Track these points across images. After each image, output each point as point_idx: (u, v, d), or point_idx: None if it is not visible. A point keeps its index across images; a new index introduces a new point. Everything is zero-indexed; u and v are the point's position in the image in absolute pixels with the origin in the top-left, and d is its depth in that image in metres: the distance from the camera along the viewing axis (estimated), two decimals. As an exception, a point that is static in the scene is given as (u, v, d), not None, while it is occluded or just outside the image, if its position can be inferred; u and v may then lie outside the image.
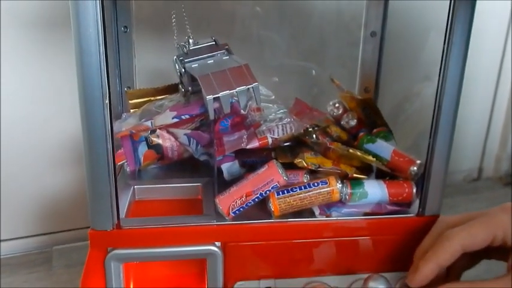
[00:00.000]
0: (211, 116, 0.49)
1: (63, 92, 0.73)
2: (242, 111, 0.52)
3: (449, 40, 0.44)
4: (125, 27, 0.59)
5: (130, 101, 0.60)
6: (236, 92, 0.48)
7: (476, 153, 1.07)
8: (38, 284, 0.70)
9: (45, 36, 0.71)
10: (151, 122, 0.52)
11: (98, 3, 0.38)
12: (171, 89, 0.60)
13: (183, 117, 0.52)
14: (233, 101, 0.50)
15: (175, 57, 0.54)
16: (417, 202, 0.49)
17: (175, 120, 0.52)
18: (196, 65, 0.52)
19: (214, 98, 0.48)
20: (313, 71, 0.77)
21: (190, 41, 0.54)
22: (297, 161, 0.49)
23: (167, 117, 0.52)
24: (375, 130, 0.56)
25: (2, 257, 0.76)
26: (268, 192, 0.46)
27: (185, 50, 0.54)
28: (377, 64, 0.64)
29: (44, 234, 0.79)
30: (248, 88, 0.48)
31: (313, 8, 0.79)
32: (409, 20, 0.77)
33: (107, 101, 0.41)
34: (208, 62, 0.53)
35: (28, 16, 0.69)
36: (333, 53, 0.80)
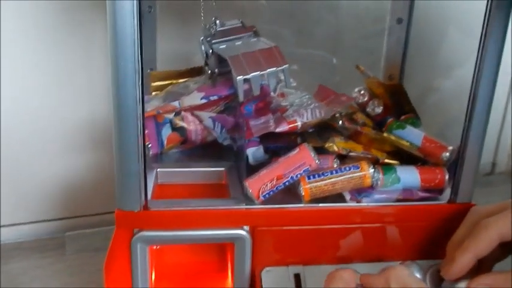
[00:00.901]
0: (241, 98, 0.48)
1: (76, 75, 0.72)
2: (272, 93, 0.51)
3: (487, 27, 0.43)
4: (150, 7, 0.58)
5: (152, 84, 0.59)
6: (267, 73, 0.47)
7: (489, 147, 1.06)
8: (51, 269, 0.69)
9: (58, 17, 0.69)
10: (179, 102, 0.51)
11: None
12: (194, 72, 0.59)
13: (211, 98, 0.51)
14: (263, 83, 0.49)
15: (201, 38, 0.53)
16: (449, 189, 0.48)
17: (204, 101, 0.51)
18: (224, 46, 0.51)
19: (244, 79, 0.47)
20: (334, 60, 0.76)
21: (217, 22, 0.53)
22: (328, 145, 0.48)
23: (195, 98, 0.51)
24: (402, 117, 0.55)
25: (14, 241, 0.75)
26: (299, 175, 0.45)
27: (212, 31, 0.52)
28: (403, 51, 0.63)
29: (57, 219, 0.77)
30: (278, 70, 0.47)
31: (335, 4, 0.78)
32: (435, 7, 0.75)
33: (140, 78, 0.40)
34: (237, 43, 0.52)
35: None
36: (353, 42, 0.78)
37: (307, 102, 0.55)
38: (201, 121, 0.54)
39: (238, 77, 0.46)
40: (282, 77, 0.49)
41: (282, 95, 0.59)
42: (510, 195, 0.96)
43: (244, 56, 0.48)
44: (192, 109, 0.53)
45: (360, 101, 0.59)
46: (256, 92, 0.47)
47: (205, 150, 0.57)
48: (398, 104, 0.56)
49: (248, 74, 0.46)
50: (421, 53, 0.72)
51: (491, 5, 0.42)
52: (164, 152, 0.56)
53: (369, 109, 0.57)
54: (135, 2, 0.38)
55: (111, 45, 0.39)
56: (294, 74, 0.61)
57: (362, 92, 0.59)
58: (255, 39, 0.52)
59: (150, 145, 0.55)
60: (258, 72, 0.46)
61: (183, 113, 0.53)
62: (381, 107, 0.57)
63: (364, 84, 0.59)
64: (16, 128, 0.72)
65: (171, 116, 0.54)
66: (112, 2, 0.38)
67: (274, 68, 0.47)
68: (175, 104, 0.51)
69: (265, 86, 0.51)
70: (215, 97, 0.51)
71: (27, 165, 0.74)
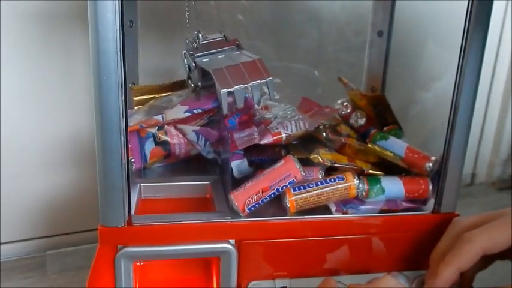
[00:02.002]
0: (225, 111, 0.47)
1: (58, 91, 0.71)
2: (256, 105, 0.51)
3: (467, 39, 0.44)
4: (131, 21, 0.58)
5: (134, 98, 0.58)
6: (250, 86, 0.47)
7: (469, 158, 1.07)
8: (33, 289, 0.68)
9: (38, 33, 0.68)
10: (163, 116, 0.50)
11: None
12: (177, 86, 0.59)
13: (195, 111, 0.51)
14: (247, 95, 0.49)
15: (184, 52, 0.53)
16: (432, 199, 0.48)
17: (188, 114, 0.51)
18: (207, 59, 0.51)
19: (228, 91, 0.46)
20: (316, 72, 0.76)
21: (200, 35, 0.53)
22: (312, 156, 0.48)
23: (179, 112, 0.50)
24: (385, 128, 0.55)
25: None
26: (284, 187, 0.45)
27: (195, 44, 0.52)
28: (384, 63, 0.64)
29: (38, 238, 0.76)
30: (262, 82, 0.47)
31: (315, 7, 0.79)
32: (415, 19, 0.77)
33: (123, 93, 0.39)
34: (220, 56, 0.52)
35: (29, 12, 0.67)
36: (334, 55, 0.79)
37: (291, 114, 0.55)
38: (184, 135, 0.54)
39: (222, 90, 0.46)
40: (266, 90, 0.49)
41: (266, 107, 0.59)
42: (490, 206, 0.97)
43: (227, 69, 0.48)
44: (176, 123, 0.52)
45: (343, 112, 0.59)
46: (240, 104, 0.47)
47: (190, 164, 0.57)
48: (381, 115, 0.56)
49: (232, 87, 0.46)
50: (403, 65, 0.73)
51: (470, 17, 0.43)
52: (148, 166, 0.55)
53: (352, 121, 0.58)
54: (117, 16, 0.38)
55: (93, 59, 0.39)
56: (277, 87, 0.61)
57: (345, 103, 0.59)
58: (238, 52, 0.52)
59: (133, 160, 0.54)
60: (241, 85, 0.46)
61: (166, 126, 0.53)
62: (364, 119, 0.57)
63: (347, 96, 0.60)
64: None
65: (154, 130, 0.53)
66: (94, 16, 0.37)
67: (258, 81, 0.47)
68: (159, 118, 0.51)
69: (249, 98, 0.51)
70: (199, 110, 0.51)
71: (6, 183, 0.72)
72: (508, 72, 1.00)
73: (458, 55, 0.45)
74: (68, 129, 0.73)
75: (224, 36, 0.54)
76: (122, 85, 0.39)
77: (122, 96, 0.39)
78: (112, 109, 0.39)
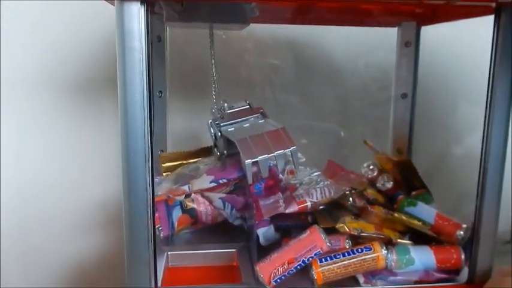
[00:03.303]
0: (250, 181, 0.48)
1: (90, 157, 0.73)
2: (280, 175, 0.51)
3: (492, 100, 0.44)
4: (160, 92, 0.60)
5: (163, 165, 0.59)
6: (275, 156, 0.47)
7: (506, 214, 1.03)
8: None
9: (73, 102, 0.72)
10: (189, 186, 0.51)
11: (145, 67, 0.39)
12: (203, 152, 0.60)
13: (220, 181, 0.51)
14: (271, 164, 0.50)
15: (210, 121, 0.55)
16: (466, 269, 0.47)
17: (213, 184, 0.51)
18: (233, 128, 0.52)
19: (252, 162, 0.47)
20: (342, 133, 0.76)
21: (225, 105, 0.55)
22: (338, 225, 0.47)
23: (205, 181, 0.51)
24: (413, 192, 0.54)
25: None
26: (310, 259, 0.44)
27: (220, 114, 0.54)
28: (409, 125, 0.64)
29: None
30: (286, 152, 0.48)
31: (339, 67, 0.80)
32: (439, 81, 0.77)
33: (150, 165, 0.40)
34: (244, 125, 0.53)
35: (60, 78, 0.71)
36: (359, 113, 0.80)
37: (316, 180, 0.55)
38: (211, 202, 0.54)
39: (247, 161, 0.46)
40: (290, 158, 0.50)
41: (291, 172, 0.59)
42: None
43: (252, 138, 0.48)
44: (202, 190, 0.53)
45: (370, 175, 0.59)
46: (265, 174, 0.47)
47: (216, 230, 0.57)
48: (408, 179, 0.55)
49: (256, 157, 0.47)
50: (429, 125, 0.73)
51: (494, 75, 0.43)
52: (175, 233, 0.55)
53: (379, 184, 0.57)
54: (145, 87, 0.39)
55: (122, 128, 0.40)
56: (303, 147, 0.62)
57: (371, 167, 0.59)
58: (262, 120, 0.53)
59: (161, 228, 0.55)
60: (266, 155, 0.47)
61: (193, 194, 0.54)
62: (391, 182, 0.57)
63: (373, 158, 0.60)
64: (25, 214, 0.73)
65: (181, 197, 0.54)
66: (123, 88, 0.39)
67: (282, 151, 0.48)
68: (185, 188, 0.51)
69: (273, 167, 0.51)
70: (224, 180, 0.52)
71: (36, 247, 0.74)
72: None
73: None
74: (99, 195, 0.75)
75: (249, 104, 0.55)
76: (149, 158, 0.40)
77: (149, 166, 0.40)
78: (139, 181, 0.40)
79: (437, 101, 0.77)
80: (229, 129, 0.52)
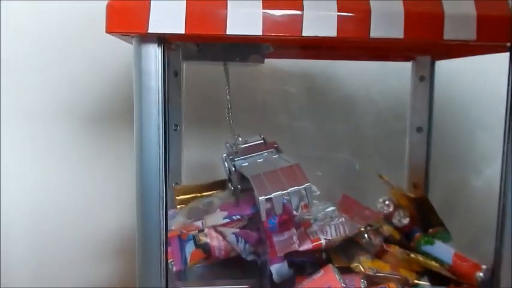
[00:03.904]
0: (263, 218, 0.48)
1: (108, 188, 0.74)
2: (294, 211, 0.51)
3: (509, 135, 0.43)
4: (176, 125, 0.61)
5: (177, 197, 0.59)
6: (289, 192, 0.47)
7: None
8: None
9: (96, 134, 0.73)
10: (202, 222, 0.51)
11: (161, 105, 0.39)
12: (217, 186, 0.60)
13: (234, 217, 0.51)
14: (285, 201, 0.50)
15: (224, 155, 0.55)
16: (486, 312, 0.45)
17: (227, 220, 0.51)
18: (247, 163, 0.53)
19: (266, 198, 0.47)
20: (357, 165, 0.76)
21: (240, 139, 0.55)
22: (353, 265, 0.46)
23: (218, 217, 0.51)
24: (431, 230, 0.53)
25: None
26: (325, 299, 0.44)
27: (235, 148, 0.54)
28: (425, 159, 0.63)
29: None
30: (300, 189, 0.48)
31: (353, 100, 0.80)
32: (455, 114, 0.77)
33: (164, 201, 0.41)
34: (258, 160, 0.53)
35: (83, 116, 0.72)
36: (374, 143, 0.79)
37: (330, 216, 0.54)
38: (224, 237, 0.54)
39: (261, 198, 0.46)
40: (304, 194, 0.49)
41: (306, 206, 0.58)
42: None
43: (266, 175, 0.48)
44: (216, 226, 0.53)
45: (385, 211, 0.58)
46: (279, 211, 0.47)
47: (229, 265, 0.56)
48: (425, 216, 0.55)
49: (270, 194, 0.47)
50: (446, 158, 0.72)
51: (510, 109, 0.42)
52: (187, 268, 0.55)
53: (395, 220, 0.57)
54: (160, 121, 0.40)
55: (137, 166, 0.41)
56: (317, 179, 0.61)
57: (387, 202, 0.58)
58: (276, 155, 0.53)
59: (173, 262, 0.54)
60: (279, 192, 0.47)
61: (206, 229, 0.53)
62: (407, 218, 0.56)
63: (388, 192, 0.59)
64: (44, 235, 0.73)
65: (194, 232, 0.54)
66: (139, 126, 0.40)
67: (296, 187, 0.47)
68: (199, 223, 0.51)
69: (287, 204, 0.51)
70: (238, 216, 0.51)
71: (49, 272, 0.74)
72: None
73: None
74: (116, 222, 0.75)
75: (263, 139, 0.56)
76: (163, 198, 0.41)
77: (162, 204, 0.41)
78: (153, 215, 0.41)
79: (454, 134, 0.77)
80: (243, 164, 0.52)
